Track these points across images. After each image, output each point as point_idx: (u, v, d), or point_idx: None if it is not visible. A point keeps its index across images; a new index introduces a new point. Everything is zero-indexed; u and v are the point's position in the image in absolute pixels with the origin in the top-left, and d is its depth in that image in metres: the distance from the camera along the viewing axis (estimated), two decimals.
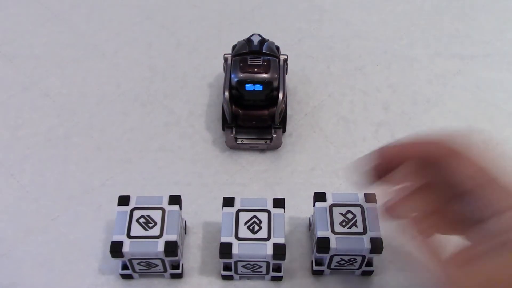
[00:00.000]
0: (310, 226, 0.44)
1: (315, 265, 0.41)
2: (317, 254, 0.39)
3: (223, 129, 0.49)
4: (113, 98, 0.54)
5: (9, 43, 0.59)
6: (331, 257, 0.39)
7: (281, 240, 0.38)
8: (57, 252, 0.43)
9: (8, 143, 0.50)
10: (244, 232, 0.39)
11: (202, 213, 0.45)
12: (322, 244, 0.38)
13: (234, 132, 0.48)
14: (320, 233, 0.39)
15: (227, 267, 0.41)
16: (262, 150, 0.50)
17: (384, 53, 0.59)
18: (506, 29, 0.61)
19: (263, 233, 0.39)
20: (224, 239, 0.38)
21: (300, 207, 0.45)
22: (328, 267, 0.41)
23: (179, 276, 0.41)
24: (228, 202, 0.40)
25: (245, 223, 0.39)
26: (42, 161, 0.49)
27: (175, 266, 0.41)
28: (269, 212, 0.40)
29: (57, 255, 0.43)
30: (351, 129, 0.52)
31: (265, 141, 0.49)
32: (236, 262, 0.39)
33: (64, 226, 0.44)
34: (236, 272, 0.40)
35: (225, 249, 0.38)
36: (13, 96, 0.54)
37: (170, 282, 0.42)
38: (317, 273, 0.42)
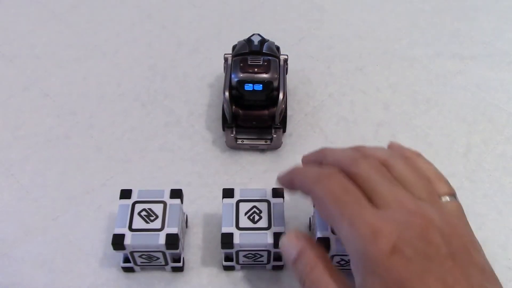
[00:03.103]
0: (310, 226, 0.44)
1: None
2: None
3: (223, 129, 0.49)
4: (113, 98, 0.54)
5: (9, 43, 0.59)
6: (332, 257, 0.39)
7: (281, 229, 0.38)
8: (57, 252, 0.43)
9: (8, 143, 0.50)
10: (244, 222, 0.39)
11: (202, 213, 0.45)
12: (322, 244, 0.38)
13: (234, 132, 0.48)
14: (320, 233, 0.39)
15: (228, 258, 0.41)
16: (262, 150, 0.50)
17: (384, 53, 0.59)
18: (506, 29, 0.62)
19: (263, 223, 0.39)
20: (225, 229, 0.38)
21: (300, 207, 0.45)
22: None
23: (180, 269, 0.41)
24: (228, 193, 0.41)
25: (245, 213, 0.39)
26: (42, 161, 0.49)
27: (176, 259, 0.41)
28: (268, 202, 0.40)
29: (57, 255, 0.43)
30: (351, 129, 0.52)
31: (265, 141, 0.49)
32: (237, 252, 0.39)
33: (64, 226, 0.44)
34: (237, 262, 0.41)
35: (226, 239, 0.38)
36: (13, 96, 0.54)
37: (171, 275, 0.42)
38: None
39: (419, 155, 0.36)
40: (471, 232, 0.33)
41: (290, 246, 0.34)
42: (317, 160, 0.37)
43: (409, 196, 0.31)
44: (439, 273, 0.28)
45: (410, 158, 0.35)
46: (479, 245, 0.32)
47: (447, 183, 0.35)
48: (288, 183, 0.37)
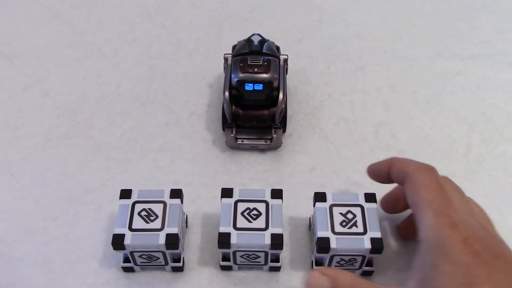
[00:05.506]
0: (310, 226, 0.44)
1: (315, 265, 0.41)
2: (317, 254, 0.39)
3: (223, 129, 0.49)
4: (113, 98, 0.54)
5: (9, 43, 0.59)
6: (331, 257, 0.39)
7: (279, 230, 0.38)
8: (57, 252, 0.43)
9: (8, 143, 0.50)
10: (242, 222, 0.39)
11: (202, 213, 0.45)
12: (323, 244, 0.38)
13: (234, 132, 0.48)
14: (320, 233, 0.39)
15: (225, 258, 0.41)
16: (262, 150, 0.50)
17: (384, 53, 0.59)
18: (506, 29, 0.62)
19: (261, 223, 0.39)
20: (223, 229, 0.39)
21: (300, 207, 0.45)
22: (329, 267, 0.41)
23: (180, 269, 0.41)
24: (227, 193, 0.41)
25: (243, 213, 0.39)
26: (42, 161, 0.49)
27: (176, 259, 0.41)
28: (267, 202, 0.40)
29: (57, 255, 0.43)
30: (351, 129, 0.52)
31: (265, 141, 0.49)
32: (234, 252, 0.39)
33: (64, 226, 0.44)
34: (235, 262, 0.41)
35: (224, 239, 0.38)
36: (13, 96, 0.54)
37: (171, 275, 0.42)
38: None
39: (445, 178, 0.40)
40: None
41: (320, 280, 0.35)
42: (383, 168, 0.40)
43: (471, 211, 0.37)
44: (503, 272, 0.32)
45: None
46: None
47: None
48: (381, 170, 0.40)
